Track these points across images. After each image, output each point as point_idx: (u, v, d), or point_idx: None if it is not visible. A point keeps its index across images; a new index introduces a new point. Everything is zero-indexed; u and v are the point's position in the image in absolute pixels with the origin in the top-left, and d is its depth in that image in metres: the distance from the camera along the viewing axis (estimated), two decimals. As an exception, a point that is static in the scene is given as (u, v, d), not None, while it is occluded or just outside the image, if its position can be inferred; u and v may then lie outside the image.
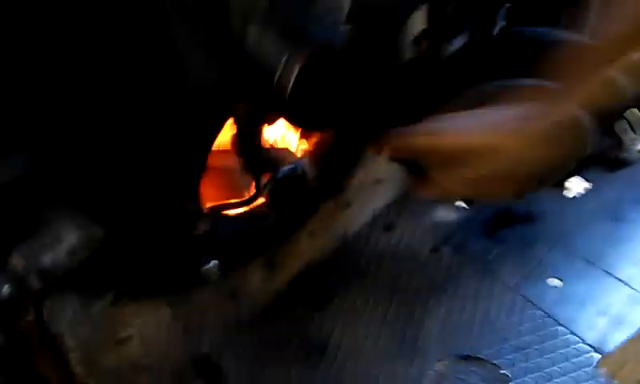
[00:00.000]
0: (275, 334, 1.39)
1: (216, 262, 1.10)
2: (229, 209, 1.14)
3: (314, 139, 1.22)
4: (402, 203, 1.65)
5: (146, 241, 0.98)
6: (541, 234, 1.53)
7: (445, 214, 1.60)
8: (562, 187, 1.60)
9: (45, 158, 0.83)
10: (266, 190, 0.99)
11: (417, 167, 1.33)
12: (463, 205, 1.64)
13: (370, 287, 1.45)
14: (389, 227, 1.59)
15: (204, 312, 1.31)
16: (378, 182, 1.57)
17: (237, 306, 1.38)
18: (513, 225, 1.56)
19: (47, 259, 0.86)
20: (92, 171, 0.88)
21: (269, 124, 1.05)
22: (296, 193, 0.94)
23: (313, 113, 0.78)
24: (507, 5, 1.13)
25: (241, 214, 1.37)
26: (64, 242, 0.88)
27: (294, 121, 0.87)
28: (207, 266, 1.09)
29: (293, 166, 1.03)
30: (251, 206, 1.00)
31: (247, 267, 1.34)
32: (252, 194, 1.10)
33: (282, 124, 1.11)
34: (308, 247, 1.49)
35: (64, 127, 0.84)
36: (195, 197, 1.07)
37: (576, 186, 1.63)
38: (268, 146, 0.99)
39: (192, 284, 1.20)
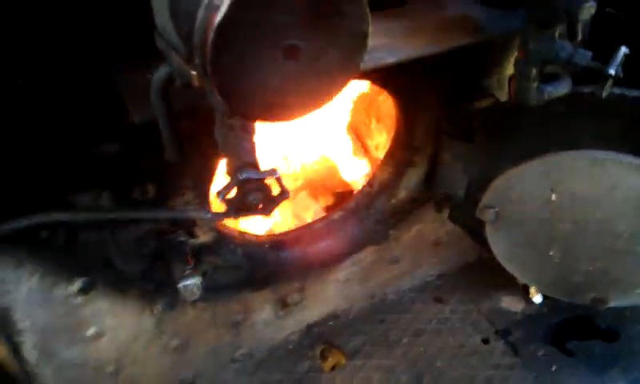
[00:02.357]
0: (272, 385, 1.20)
1: (197, 281, 0.92)
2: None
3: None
4: (462, 276, 1.41)
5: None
6: (621, 359, 1.20)
7: (510, 303, 1.33)
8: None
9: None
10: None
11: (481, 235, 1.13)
12: (537, 298, 1.35)
13: (395, 364, 1.21)
14: (439, 300, 1.35)
15: (194, 334, 1.15)
16: (437, 243, 1.34)
17: (235, 339, 1.22)
18: (590, 338, 1.24)
19: None
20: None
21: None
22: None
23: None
24: None
25: (259, 236, 1.22)
26: None
27: None
28: (185, 282, 0.92)
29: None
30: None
31: (254, 298, 1.18)
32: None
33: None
34: (335, 294, 1.29)
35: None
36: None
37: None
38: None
39: (178, 298, 1.06)
